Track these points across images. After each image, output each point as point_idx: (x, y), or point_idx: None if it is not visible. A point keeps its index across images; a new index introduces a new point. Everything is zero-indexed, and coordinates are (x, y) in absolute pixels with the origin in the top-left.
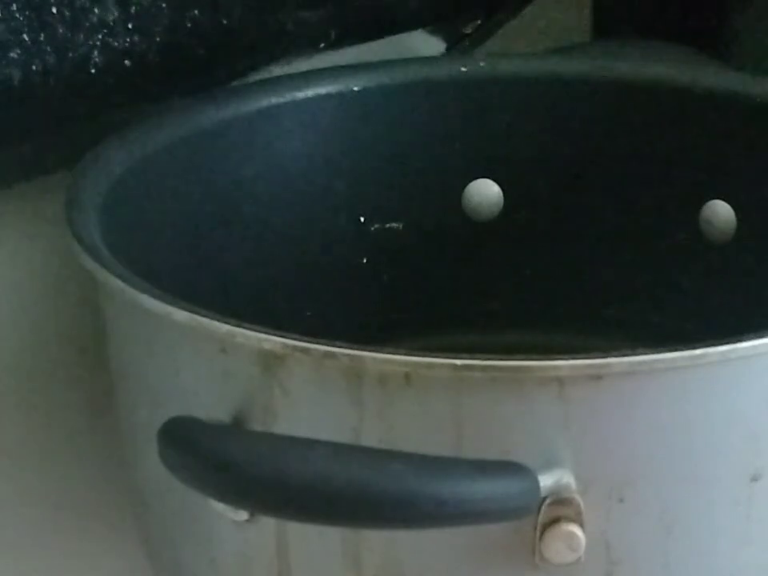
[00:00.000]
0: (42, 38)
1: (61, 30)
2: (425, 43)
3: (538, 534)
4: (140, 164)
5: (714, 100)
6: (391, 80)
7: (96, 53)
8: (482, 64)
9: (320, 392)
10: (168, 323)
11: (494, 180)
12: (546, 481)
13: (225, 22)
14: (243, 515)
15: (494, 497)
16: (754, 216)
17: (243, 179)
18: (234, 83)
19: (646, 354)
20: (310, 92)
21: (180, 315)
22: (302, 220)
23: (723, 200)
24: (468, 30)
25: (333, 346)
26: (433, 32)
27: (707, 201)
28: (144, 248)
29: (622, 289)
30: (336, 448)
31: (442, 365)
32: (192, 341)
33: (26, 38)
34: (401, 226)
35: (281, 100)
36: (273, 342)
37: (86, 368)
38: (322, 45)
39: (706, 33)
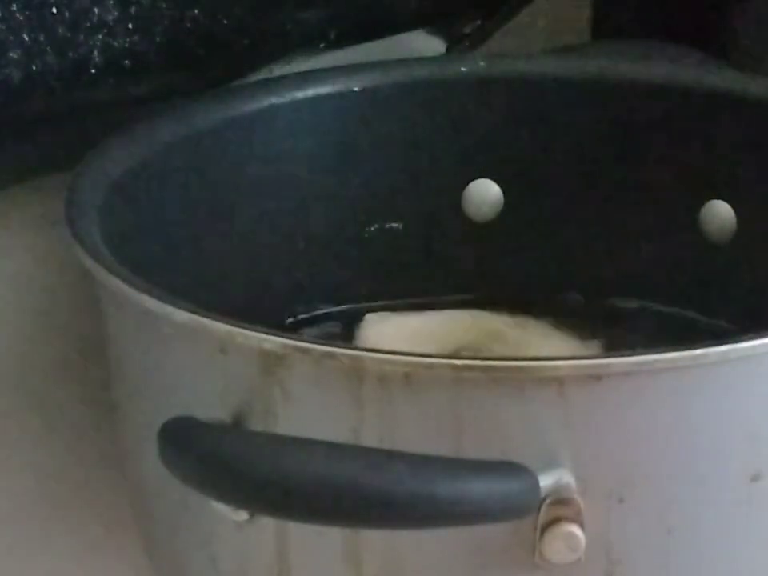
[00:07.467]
0: (41, 38)
1: (61, 30)
2: (425, 43)
3: (537, 534)
4: (140, 164)
5: (714, 100)
6: (391, 80)
7: (96, 53)
8: (481, 64)
9: (320, 392)
10: (168, 323)
11: (494, 180)
12: (545, 481)
13: (225, 22)
14: (243, 515)
15: (493, 497)
16: (754, 216)
17: (243, 179)
18: (234, 83)
19: (646, 353)
20: (310, 92)
21: (180, 315)
22: (301, 220)
23: (723, 200)
24: (468, 30)
25: (333, 346)
26: (433, 32)
27: (707, 201)
28: (144, 248)
29: (622, 289)
30: (336, 448)
31: (442, 365)
32: (192, 341)
33: (26, 38)
34: (401, 226)
35: (281, 100)
36: (273, 342)
37: (85, 368)
38: (322, 45)
39: (706, 33)
